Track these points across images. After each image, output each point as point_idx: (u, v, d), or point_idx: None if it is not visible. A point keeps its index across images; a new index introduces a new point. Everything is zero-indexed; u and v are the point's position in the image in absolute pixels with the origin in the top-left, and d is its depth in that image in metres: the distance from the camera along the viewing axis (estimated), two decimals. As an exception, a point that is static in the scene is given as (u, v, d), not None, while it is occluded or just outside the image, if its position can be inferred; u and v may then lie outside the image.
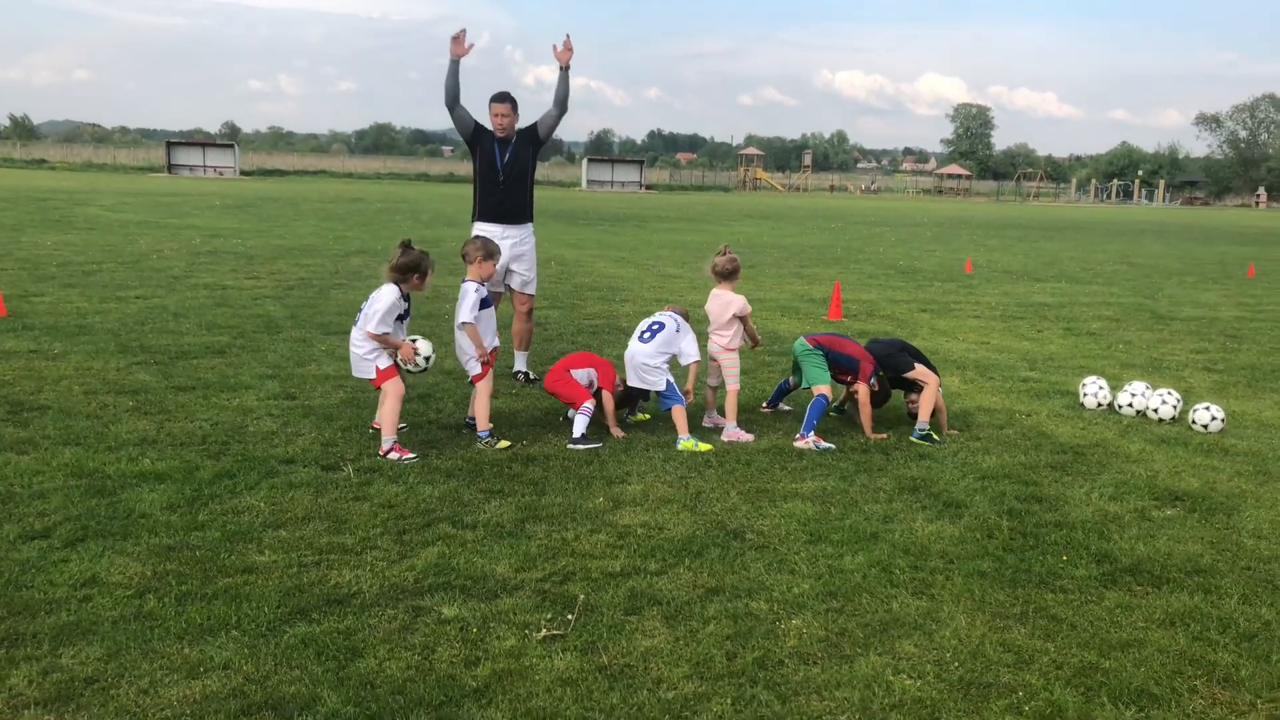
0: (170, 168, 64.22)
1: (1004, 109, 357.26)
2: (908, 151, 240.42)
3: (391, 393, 6.16)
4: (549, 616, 4.04)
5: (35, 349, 8.70)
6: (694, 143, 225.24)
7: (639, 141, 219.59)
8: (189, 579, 4.27)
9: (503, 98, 7.91)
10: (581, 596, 4.18)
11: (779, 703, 3.48)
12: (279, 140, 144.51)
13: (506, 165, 7.95)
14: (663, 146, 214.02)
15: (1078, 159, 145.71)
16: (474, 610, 4.08)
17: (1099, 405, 7.95)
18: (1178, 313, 14.12)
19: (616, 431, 6.73)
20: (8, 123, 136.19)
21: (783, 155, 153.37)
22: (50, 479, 5.42)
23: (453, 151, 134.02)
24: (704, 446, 6.49)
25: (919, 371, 6.99)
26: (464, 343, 6.57)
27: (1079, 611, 4.28)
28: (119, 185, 44.46)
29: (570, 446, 6.36)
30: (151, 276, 13.86)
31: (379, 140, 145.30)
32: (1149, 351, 10.82)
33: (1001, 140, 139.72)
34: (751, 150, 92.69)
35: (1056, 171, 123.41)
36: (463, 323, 6.52)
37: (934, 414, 6.91)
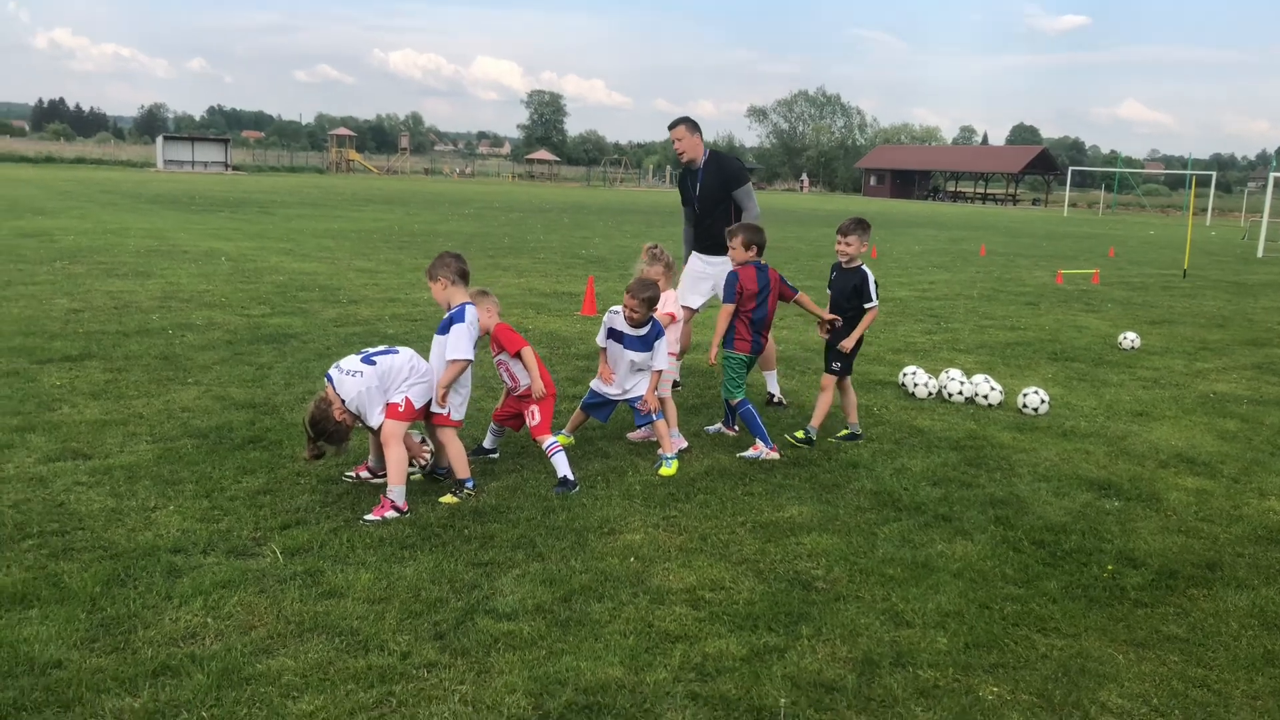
0: None
1: (570, 98, 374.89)
2: (482, 135, 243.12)
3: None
4: (745, 730, 3.27)
5: None
6: (259, 120, 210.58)
7: (198, 118, 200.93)
8: None
9: (673, 124, 7.45)
10: (785, 700, 3.43)
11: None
12: None
13: (699, 195, 7.54)
14: (225, 123, 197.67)
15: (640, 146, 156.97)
16: (656, 740, 3.20)
17: (930, 394, 8.32)
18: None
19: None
20: None
21: (362, 135, 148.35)
22: None
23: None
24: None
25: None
26: None
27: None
28: None
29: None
30: None
31: None
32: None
33: (574, 127, 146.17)
34: (344, 131, 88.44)
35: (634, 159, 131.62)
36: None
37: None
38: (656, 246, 6.66)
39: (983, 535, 5.11)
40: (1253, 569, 4.84)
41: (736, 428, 6.89)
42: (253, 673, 3.50)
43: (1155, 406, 8.29)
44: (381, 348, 5.40)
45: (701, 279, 7.60)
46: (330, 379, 5.18)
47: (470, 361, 5.36)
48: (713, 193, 7.44)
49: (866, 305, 6.71)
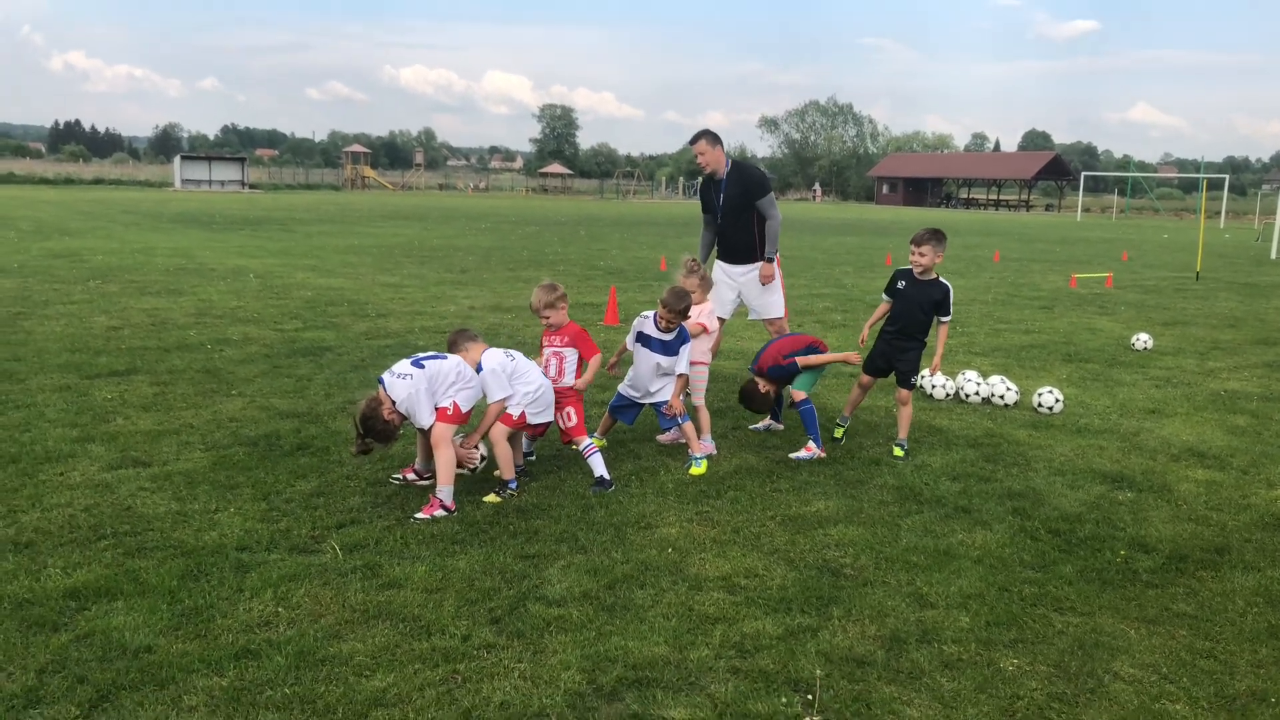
0: None
1: (581, 111, 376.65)
2: (494, 150, 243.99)
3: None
4: (784, 701, 3.54)
5: None
6: (273, 138, 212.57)
7: (212, 137, 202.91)
8: None
9: (694, 138, 7.69)
10: (819, 673, 3.71)
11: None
12: None
13: (722, 205, 7.75)
14: (239, 142, 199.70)
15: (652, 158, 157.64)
16: (703, 709, 3.47)
17: (947, 395, 8.57)
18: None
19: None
20: None
21: (376, 152, 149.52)
22: None
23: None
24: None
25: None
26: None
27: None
28: None
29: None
30: None
31: None
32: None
33: (586, 140, 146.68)
34: (357, 148, 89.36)
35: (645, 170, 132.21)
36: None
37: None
38: (694, 260, 6.96)
39: (1001, 525, 5.37)
40: (1260, 552, 5.09)
41: (783, 424, 7.27)
42: (327, 655, 3.80)
43: (1167, 404, 8.52)
44: (430, 353, 5.73)
45: (727, 288, 7.88)
46: (382, 382, 5.50)
47: (509, 397, 5.74)
48: (735, 202, 7.71)
49: (944, 319, 6.75)
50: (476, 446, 5.87)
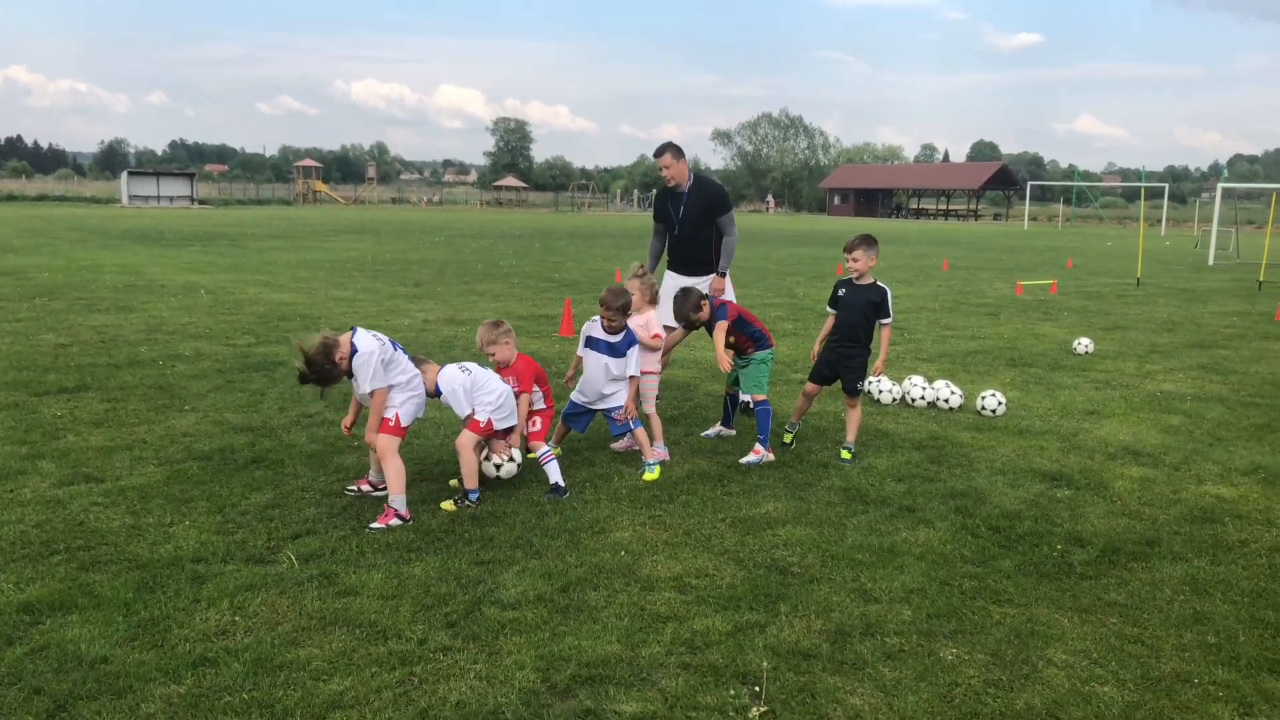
0: None
1: (535, 124, 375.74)
2: (448, 164, 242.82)
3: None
4: (732, 693, 3.66)
5: None
6: (222, 153, 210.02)
7: (160, 152, 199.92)
8: None
9: (659, 151, 7.79)
10: (767, 665, 3.83)
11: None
12: None
13: (682, 218, 7.88)
14: (188, 157, 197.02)
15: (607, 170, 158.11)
16: (654, 703, 3.58)
17: (894, 400, 8.78)
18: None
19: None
20: None
21: (328, 166, 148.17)
22: None
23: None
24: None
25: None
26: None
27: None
28: None
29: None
30: None
31: None
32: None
33: (540, 153, 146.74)
34: (309, 162, 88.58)
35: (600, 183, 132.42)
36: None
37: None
38: (642, 266, 7.13)
39: (943, 523, 5.56)
40: (1187, 544, 5.31)
41: (734, 430, 7.43)
42: (284, 661, 3.85)
43: (1106, 405, 8.80)
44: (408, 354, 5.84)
45: None
46: (355, 330, 5.58)
47: (473, 412, 5.86)
48: (696, 216, 7.84)
49: (884, 321, 6.90)
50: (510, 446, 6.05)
